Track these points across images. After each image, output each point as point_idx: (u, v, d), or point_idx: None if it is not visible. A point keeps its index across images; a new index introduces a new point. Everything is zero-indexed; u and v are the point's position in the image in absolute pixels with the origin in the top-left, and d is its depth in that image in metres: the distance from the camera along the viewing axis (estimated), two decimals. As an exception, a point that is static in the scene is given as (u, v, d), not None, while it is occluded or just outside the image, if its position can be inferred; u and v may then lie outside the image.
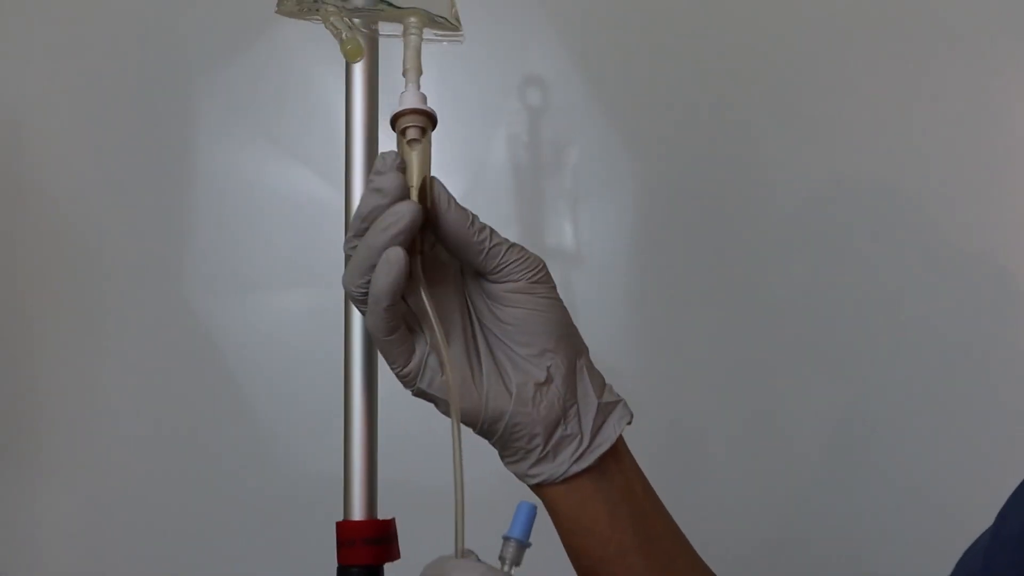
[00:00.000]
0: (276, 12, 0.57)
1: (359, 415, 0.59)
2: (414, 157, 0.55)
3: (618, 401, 0.59)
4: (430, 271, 0.56)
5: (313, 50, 1.11)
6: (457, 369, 0.56)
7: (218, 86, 1.14)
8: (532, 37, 1.12)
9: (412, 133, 0.55)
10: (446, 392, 0.55)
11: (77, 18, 1.15)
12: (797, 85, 1.13)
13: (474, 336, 0.58)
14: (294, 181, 1.12)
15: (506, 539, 0.53)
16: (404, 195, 0.52)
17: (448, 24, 0.58)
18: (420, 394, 0.57)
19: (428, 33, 0.57)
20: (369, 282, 0.53)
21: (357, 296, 0.54)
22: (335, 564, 0.57)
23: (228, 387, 1.11)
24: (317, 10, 0.56)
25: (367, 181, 0.55)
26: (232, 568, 1.09)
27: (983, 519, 1.07)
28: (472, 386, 0.56)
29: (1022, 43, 1.11)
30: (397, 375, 0.56)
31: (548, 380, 0.56)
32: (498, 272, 0.56)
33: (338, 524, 0.58)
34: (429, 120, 0.55)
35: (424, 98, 0.56)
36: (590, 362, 0.59)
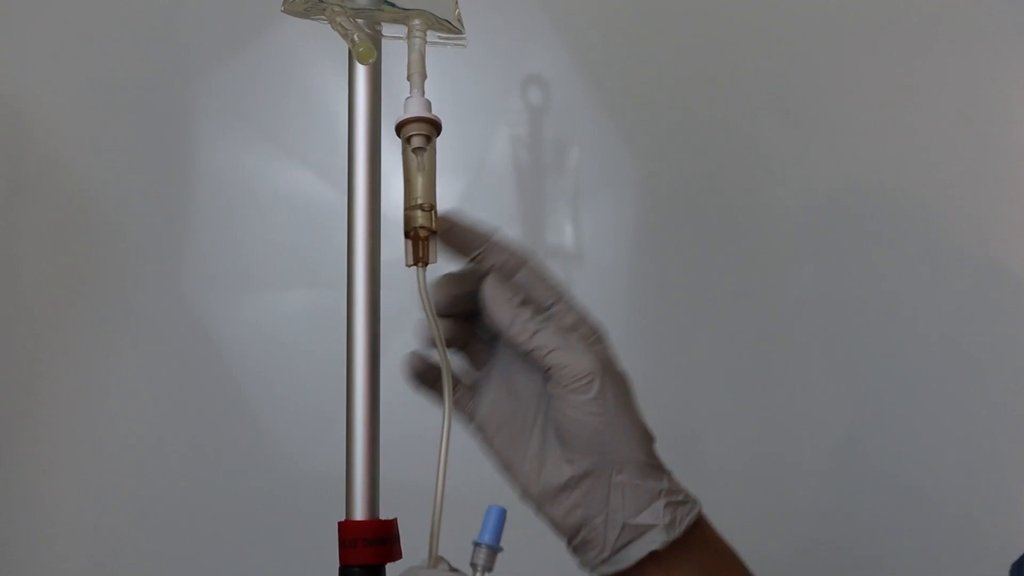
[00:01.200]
0: (282, 11, 0.57)
1: (361, 415, 0.59)
2: (418, 166, 0.55)
3: (653, 525, 0.56)
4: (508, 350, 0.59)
5: (314, 49, 1.11)
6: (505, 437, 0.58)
7: (218, 85, 1.14)
8: (533, 36, 1.12)
9: (417, 141, 0.55)
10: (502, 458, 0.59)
11: (77, 18, 1.15)
12: (800, 85, 1.13)
13: (536, 415, 0.58)
14: (294, 181, 1.12)
15: (477, 545, 0.53)
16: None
17: (451, 27, 0.58)
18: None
19: (432, 36, 0.58)
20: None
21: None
22: (337, 564, 0.57)
23: (229, 387, 1.11)
24: (323, 10, 0.56)
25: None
26: (233, 568, 1.09)
27: (988, 520, 1.08)
28: (519, 465, 0.58)
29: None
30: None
31: (568, 487, 0.56)
32: (545, 371, 0.56)
33: (340, 524, 0.58)
34: (434, 128, 0.56)
35: (429, 104, 0.56)
36: (635, 477, 0.56)
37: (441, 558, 0.53)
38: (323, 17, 0.57)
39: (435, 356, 0.57)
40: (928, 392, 1.09)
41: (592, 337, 0.58)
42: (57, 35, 1.15)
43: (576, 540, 0.57)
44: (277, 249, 1.13)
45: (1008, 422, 1.08)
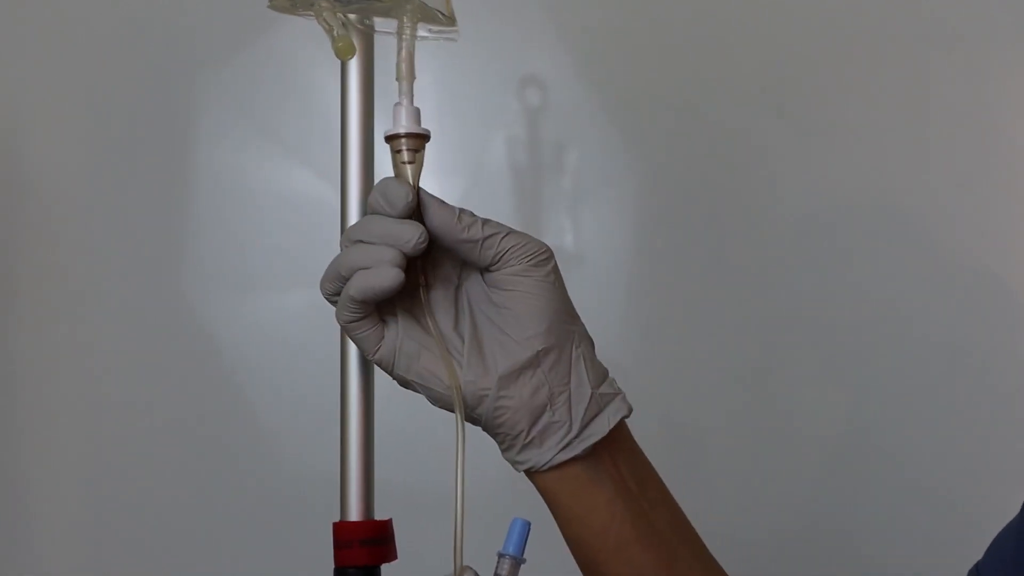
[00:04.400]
0: (268, 7, 0.57)
1: (356, 415, 0.59)
2: (407, 174, 0.57)
3: (616, 394, 0.58)
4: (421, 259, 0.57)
5: (313, 50, 1.11)
6: (450, 361, 0.56)
7: (218, 86, 1.14)
8: (531, 37, 1.12)
9: (406, 156, 0.57)
10: (424, 378, 0.56)
11: (77, 17, 1.15)
12: (799, 86, 1.13)
13: (461, 321, 0.58)
14: (294, 181, 1.12)
15: (501, 556, 0.53)
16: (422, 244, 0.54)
17: (443, 19, 0.57)
18: (403, 383, 0.57)
19: (423, 29, 0.57)
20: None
21: (330, 291, 0.56)
22: (332, 565, 0.57)
23: (226, 387, 1.11)
24: (311, 5, 0.56)
25: (374, 199, 0.56)
26: (228, 569, 1.09)
27: (986, 519, 1.07)
28: (454, 370, 0.56)
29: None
30: (372, 361, 0.58)
31: (534, 364, 0.56)
32: (498, 261, 0.56)
33: (335, 525, 0.58)
34: (422, 141, 0.57)
35: (418, 113, 0.57)
36: (591, 353, 0.58)
37: (467, 568, 0.52)
38: (310, 13, 0.57)
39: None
40: (925, 394, 1.09)
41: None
42: (57, 35, 1.15)
43: (536, 428, 0.56)
44: (277, 249, 1.13)
45: (1005, 424, 1.08)
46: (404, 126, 0.56)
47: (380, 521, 0.58)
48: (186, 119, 1.14)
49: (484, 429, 0.58)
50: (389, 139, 0.57)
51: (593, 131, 1.12)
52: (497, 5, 1.09)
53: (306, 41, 1.10)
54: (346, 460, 0.58)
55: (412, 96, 0.57)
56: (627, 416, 0.58)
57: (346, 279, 0.54)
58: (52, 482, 1.12)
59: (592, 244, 1.11)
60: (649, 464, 0.61)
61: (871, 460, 1.10)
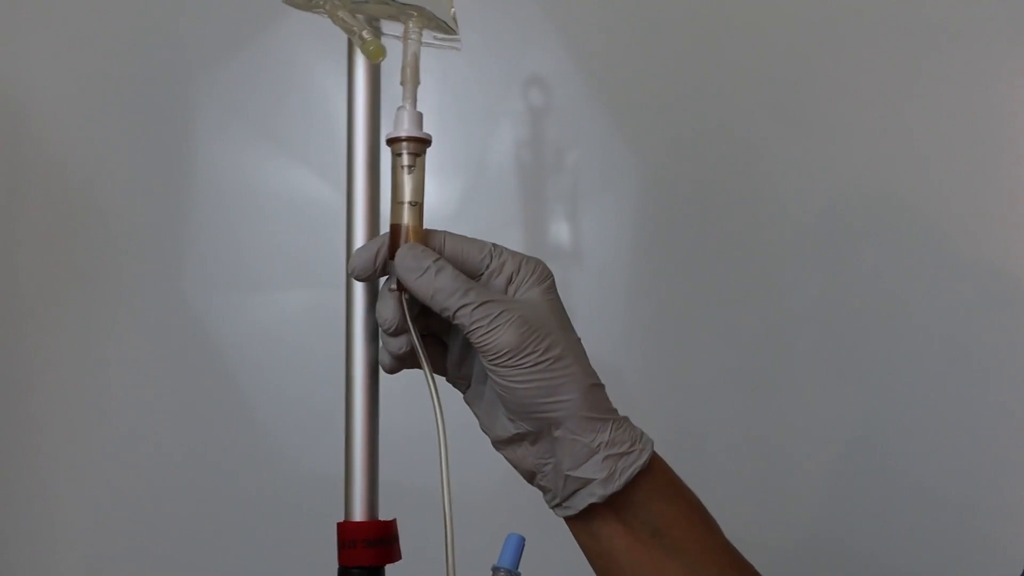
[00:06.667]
0: (284, 2, 0.57)
1: (360, 415, 0.59)
2: (407, 180, 0.58)
3: (592, 480, 0.58)
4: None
5: (314, 49, 1.11)
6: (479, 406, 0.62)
7: (218, 85, 1.14)
8: (534, 37, 1.12)
9: (407, 160, 0.57)
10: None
11: (77, 17, 1.15)
12: (800, 85, 1.13)
13: (484, 372, 0.60)
14: (294, 181, 1.12)
15: (495, 570, 0.54)
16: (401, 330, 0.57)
17: (446, 27, 0.58)
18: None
19: (427, 36, 0.58)
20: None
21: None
22: (336, 565, 0.57)
23: (228, 387, 1.11)
24: (323, 3, 0.57)
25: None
26: (232, 569, 1.09)
27: (991, 521, 1.08)
28: (479, 413, 0.62)
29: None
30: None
31: (515, 441, 0.60)
32: (470, 340, 0.57)
33: (339, 525, 0.58)
34: (424, 145, 0.58)
35: (420, 117, 0.57)
36: (573, 431, 0.58)
37: None
38: (323, 11, 0.57)
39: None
40: (930, 393, 1.09)
41: (530, 281, 0.59)
42: (57, 35, 1.14)
43: (534, 483, 0.61)
44: (277, 249, 1.12)
45: (1010, 423, 1.08)
46: (406, 130, 0.57)
47: (385, 521, 0.58)
48: (186, 119, 1.14)
49: None
50: (391, 142, 0.58)
51: (596, 131, 1.12)
52: (500, 5, 1.10)
53: (306, 40, 1.10)
54: (351, 460, 0.58)
55: (415, 100, 0.58)
56: (598, 501, 0.58)
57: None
58: (51, 482, 1.11)
59: (593, 244, 1.11)
60: (681, 497, 0.62)
61: (877, 463, 1.10)
